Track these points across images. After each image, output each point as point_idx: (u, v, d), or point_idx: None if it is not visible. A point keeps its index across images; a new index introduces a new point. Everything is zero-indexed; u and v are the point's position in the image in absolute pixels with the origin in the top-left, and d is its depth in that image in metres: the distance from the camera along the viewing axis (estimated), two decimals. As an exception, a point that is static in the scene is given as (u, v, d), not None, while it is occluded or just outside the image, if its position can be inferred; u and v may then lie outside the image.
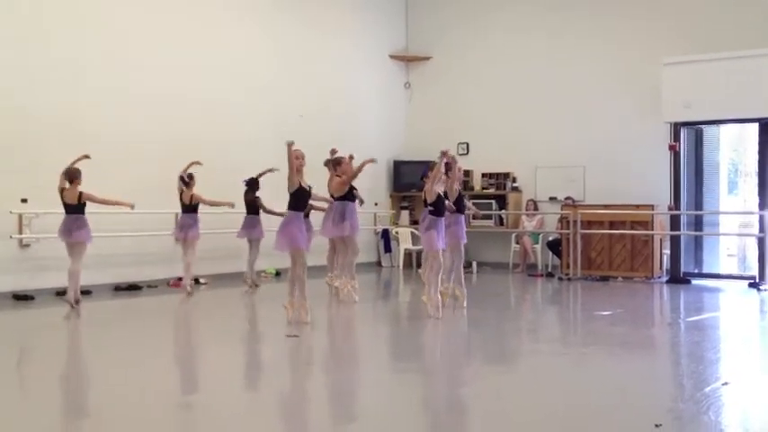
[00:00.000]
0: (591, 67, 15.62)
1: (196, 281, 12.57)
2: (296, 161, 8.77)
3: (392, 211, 17.42)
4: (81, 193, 9.98)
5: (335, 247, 11.33)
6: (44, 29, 11.48)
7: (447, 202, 9.64)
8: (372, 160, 10.76)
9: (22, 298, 10.88)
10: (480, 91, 16.83)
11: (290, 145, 8.76)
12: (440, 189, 9.38)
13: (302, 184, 8.93)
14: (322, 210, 11.12)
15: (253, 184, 12.35)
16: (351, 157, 11.03)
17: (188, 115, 13.11)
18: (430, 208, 9.28)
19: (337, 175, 10.77)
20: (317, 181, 11.09)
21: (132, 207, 10.50)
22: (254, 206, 12.30)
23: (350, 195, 10.77)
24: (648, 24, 14.98)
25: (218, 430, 5.03)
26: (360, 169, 10.74)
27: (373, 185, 16.75)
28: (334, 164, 10.89)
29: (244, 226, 12.37)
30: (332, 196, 10.83)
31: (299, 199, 8.95)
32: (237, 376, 6.84)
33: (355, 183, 10.97)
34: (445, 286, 10.08)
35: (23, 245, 11.23)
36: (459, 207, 10.07)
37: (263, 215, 12.35)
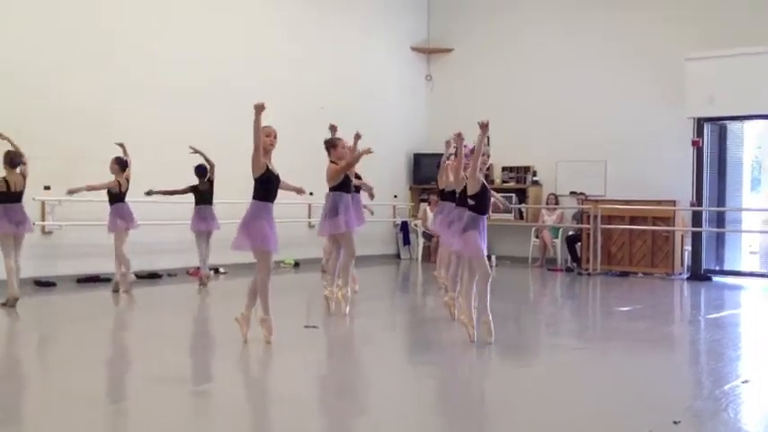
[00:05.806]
0: (613, 61, 15.51)
1: (215, 270, 12.65)
2: (266, 139, 6.98)
3: (411, 203, 17.42)
4: None
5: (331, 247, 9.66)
6: (70, 19, 11.56)
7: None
8: (369, 150, 8.72)
9: (44, 285, 10.99)
10: (502, 84, 16.77)
11: (258, 109, 6.81)
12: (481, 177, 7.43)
13: (270, 168, 7.09)
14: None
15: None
16: (357, 137, 9.04)
17: (207, 107, 13.12)
18: (470, 202, 7.37)
19: (332, 161, 8.83)
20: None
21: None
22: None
23: (346, 185, 8.85)
24: (672, 18, 14.84)
25: (228, 418, 5.08)
26: (358, 158, 8.83)
27: (393, 178, 16.79)
28: (329, 146, 8.94)
29: None
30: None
31: (269, 186, 7.09)
32: (257, 364, 6.90)
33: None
34: (450, 296, 8.81)
35: (46, 232, 11.34)
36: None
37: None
